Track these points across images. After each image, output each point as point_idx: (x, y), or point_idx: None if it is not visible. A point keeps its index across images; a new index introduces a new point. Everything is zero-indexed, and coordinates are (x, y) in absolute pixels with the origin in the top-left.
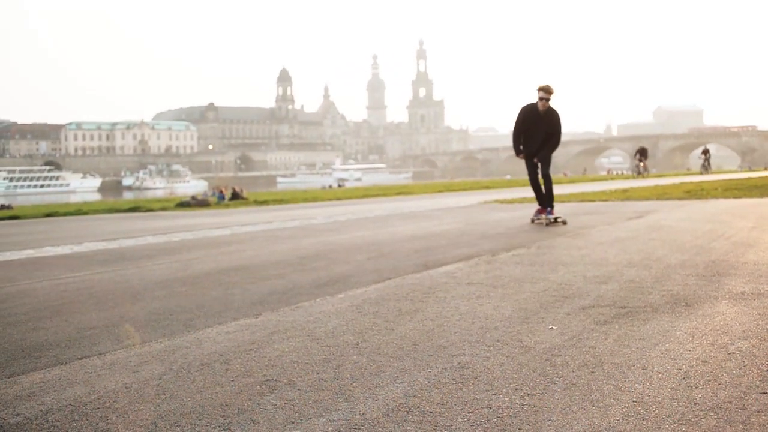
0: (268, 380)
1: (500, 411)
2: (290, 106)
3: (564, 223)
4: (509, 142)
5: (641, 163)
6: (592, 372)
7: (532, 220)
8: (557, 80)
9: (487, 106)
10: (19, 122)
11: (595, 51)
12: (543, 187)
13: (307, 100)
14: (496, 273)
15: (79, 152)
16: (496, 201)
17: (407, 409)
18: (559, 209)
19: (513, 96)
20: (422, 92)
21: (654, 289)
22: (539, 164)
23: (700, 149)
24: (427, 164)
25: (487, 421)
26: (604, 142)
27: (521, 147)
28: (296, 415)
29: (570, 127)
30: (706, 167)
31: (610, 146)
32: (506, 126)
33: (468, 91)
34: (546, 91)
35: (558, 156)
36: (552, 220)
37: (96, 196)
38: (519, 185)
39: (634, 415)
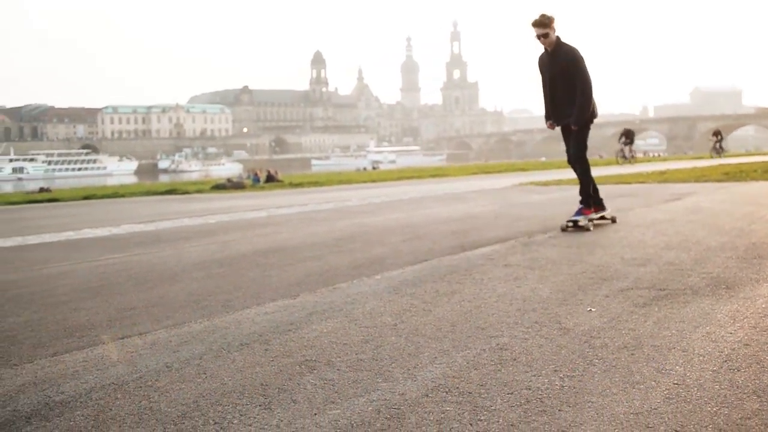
0: (307, 360)
1: (540, 392)
2: (324, 89)
3: (588, 229)
4: (544, 124)
5: (626, 147)
6: (632, 354)
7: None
8: (593, 60)
9: (522, 88)
10: (57, 106)
11: (631, 31)
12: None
13: (340, 82)
14: (532, 255)
15: (116, 136)
16: (531, 183)
17: (446, 390)
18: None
19: None
20: (456, 74)
21: (693, 271)
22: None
23: (711, 131)
24: (461, 146)
25: (527, 402)
26: (640, 123)
27: (549, 113)
28: (336, 395)
29: (605, 108)
30: (717, 150)
31: (646, 128)
32: (541, 108)
33: (502, 72)
34: (539, 25)
35: (593, 138)
36: (568, 226)
37: (132, 179)
38: (554, 167)
39: (676, 397)
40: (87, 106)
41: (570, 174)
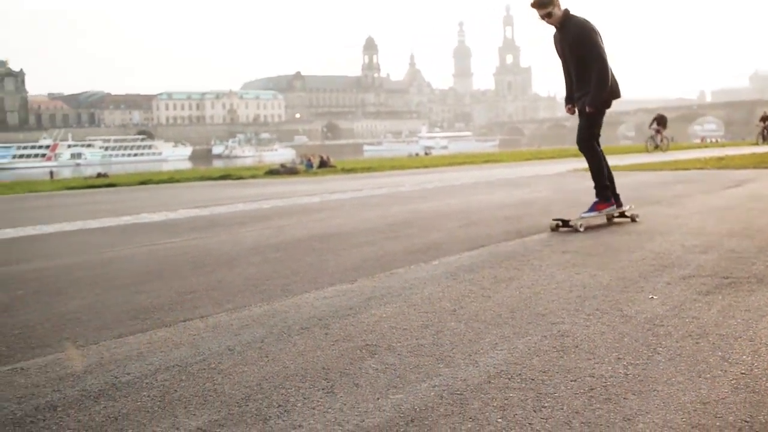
0: (367, 345)
1: (604, 380)
2: (376, 75)
3: (578, 230)
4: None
5: (658, 134)
6: (697, 343)
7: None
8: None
9: None
10: (113, 93)
11: (690, 13)
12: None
13: (392, 68)
14: (591, 241)
15: (170, 122)
16: (586, 169)
17: (509, 376)
18: (649, 179)
19: None
20: (509, 59)
21: (758, 259)
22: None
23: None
24: (513, 132)
25: (591, 389)
26: (697, 108)
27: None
28: (398, 379)
29: (661, 93)
30: (765, 136)
31: (703, 113)
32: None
33: (556, 57)
34: (538, 6)
35: (643, 124)
36: (558, 225)
37: (187, 165)
38: (608, 153)
39: (744, 387)
40: (142, 92)
41: (627, 160)
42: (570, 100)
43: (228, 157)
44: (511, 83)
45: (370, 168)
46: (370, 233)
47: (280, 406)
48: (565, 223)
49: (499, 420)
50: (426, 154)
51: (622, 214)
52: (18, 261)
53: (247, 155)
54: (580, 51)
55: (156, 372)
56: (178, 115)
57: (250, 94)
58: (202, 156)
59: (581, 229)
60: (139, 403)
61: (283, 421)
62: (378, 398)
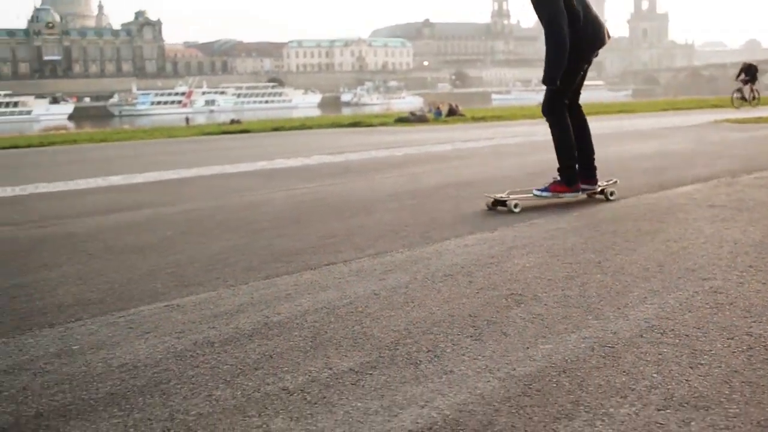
0: (512, 294)
1: (763, 339)
2: (506, 21)
3: (512, 210)
4: (738, 58)
5: (747, 86)
6: None
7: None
8: None
9: (715, 19)
10: (245, 41)
11: None
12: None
13: (523, 14)
14: (738, 196)
15: (300, 69)
16: (727, 120)
17: (661, 331)
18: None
19: (744, 8)
20: (644, 5)
21: None
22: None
23: None
24: (648, 81)
25: (750, 348)
26: None
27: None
28: (546, 330)
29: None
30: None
31: None
32: (736, 40)
33: (694, 2)
34: None
35: (719, 78)
36: (495, 203)
37: (316, 112)
38: (690, 108)
39: None
40: (273, 40)
41: (710, 115)
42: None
43: (356, 104)
44: (646, 30)
45: (500, 117)
46: (506, 182)
47: (429, 351)
48: (501, 202)
49: (655, 375)
50: None
51: (601, 191)
52: (164, 203)
53: (374, 103)
54: (537, 10)
55: (305, 313)
56: (307, 62)
57: (379, 41)
58: (331, 103)
59: (516, 210)
60: (291, 343)
61: (434, 366)
62: (527, 347)
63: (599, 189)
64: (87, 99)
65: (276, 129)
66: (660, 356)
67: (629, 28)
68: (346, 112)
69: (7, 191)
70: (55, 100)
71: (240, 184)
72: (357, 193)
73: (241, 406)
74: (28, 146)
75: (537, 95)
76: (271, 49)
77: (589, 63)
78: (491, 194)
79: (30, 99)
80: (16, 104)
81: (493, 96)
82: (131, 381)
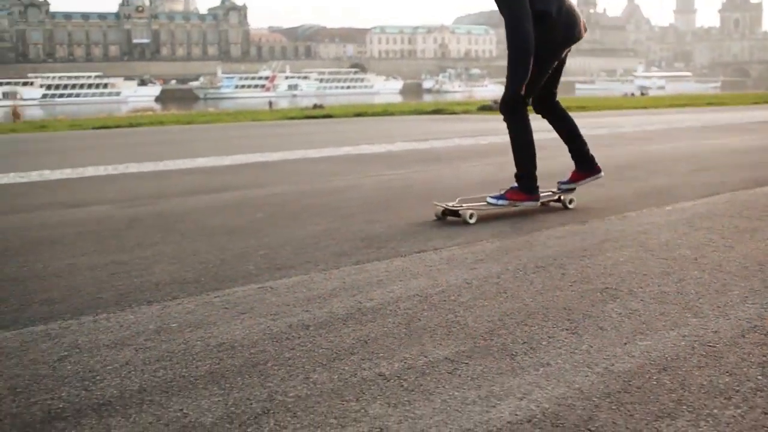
0: (607, 288)
1: None
2: (591, 10)
3: (467, 221)
4: None
5: None
6: None
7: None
8: None
9: None
10: (328, 27)
11: None
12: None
13: (609, 3)
14: None
15: (383, 55)
16: None
17: (765, 332)
18: None
19: None
20: None
21: None
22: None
23: None
24: (738, 73)
25: None
26: None
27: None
28: (643, 326)
29: None
30: None
31: None
32: None
33: None
34: None
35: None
36: (444, 213)
37: (398, 98)
38: None
39: None
40: (356, 26)
41: None
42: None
43: (438, 91)
44: (738, 20)
45: (584, 107)
46: None
47: (525, 342)
48: (453, 212)
49: (759, 377)
50: (642, 94)
51: (558, 199)
52: (251, 186)
53: (456, 90)
54: (499, 8)
55: (398, 300)
56: (390, 49)
57: (462, 28)
58: (412, 90)
59: (471, 221)
60: (385, 329)
61: (530, 358)
62: (625, 343)
63: (557, 197)
64: (173, 81)
65: (358, 114)
66: (764, 358)
67: (720, 18)
68: (428, 99)
69: (100, 170)
70: (142, 83)
71: (326, 169)
72: (444, 181)
73: (339, 390)
74: (117, 127)
75: (622, 86)
76: (354, 35)
77: (562, 61)
78: (440, 203)
79: (119, 81)
80: (105, 86)
81: (577, 86)
82: (229, 360)
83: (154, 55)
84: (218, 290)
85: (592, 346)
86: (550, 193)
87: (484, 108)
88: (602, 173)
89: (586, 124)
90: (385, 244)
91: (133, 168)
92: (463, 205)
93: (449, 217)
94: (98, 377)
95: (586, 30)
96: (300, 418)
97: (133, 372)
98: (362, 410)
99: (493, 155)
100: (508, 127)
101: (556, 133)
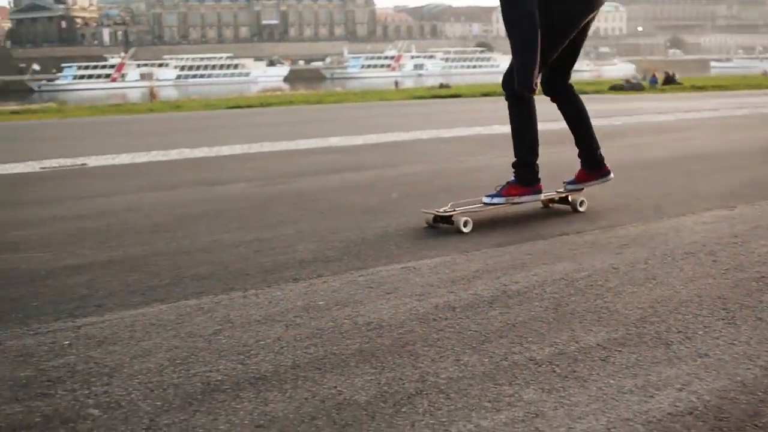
0: (763, 277)
1: None
2: None
3: (459, 230)
4: None
5: None
6: None
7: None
8: None
9: None
10: (454, 5)
11: None
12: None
13: None
14: None
15: None
16: None
17: None
18: None
19: None
20: None
21: None
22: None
23: None
24: None
25: None
26: None
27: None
28: None
29: None
30: None
31: None
32: None
33: None
34: None
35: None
36: (435, 220)
37: None
38: None
39: None
40: (482, 5)
41: None
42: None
43: None
44: None
45: (722, 86)
46: (741, 157)
47: (680, 331)
48: (444, 218)
49: None
50: None
51: (564, 199)
52: (385, 166)
53: (584, 69)
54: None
55: (543, 284)
56: None
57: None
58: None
59: (465, 229)
60: (533, 313)
61: (686, 347)
62: None
63: (564, 195)
64: (301, 62)
65: (486, 94)
66: None
67: None
68: None
69: (236, 149)
70: (271, 63)
71: (457, 149)
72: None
73: (491, 373)
74: (249, 107)
75: (761, 63)
76: (480, 14)
77: (583, 31)
78: (429, 210)
79: (249, 61)
80: (236, 66)
81: (712, 64)
82: (378, 340)
83: (283, 36)
84: (362, 269)
85: (751, 338)
86: (554, 193)
87: (615, 87)
88: (612, 175)
89: (724, 104)
90: (526, 227)
91: (267, 147)
92: (456, 210)
93: (442, 225)
94: (252, 352)
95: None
96: (453, 399)
97: (285, 348)
98: (516, 395)
99: (628, 136)
100: (509, 107)
101: (565, 121)
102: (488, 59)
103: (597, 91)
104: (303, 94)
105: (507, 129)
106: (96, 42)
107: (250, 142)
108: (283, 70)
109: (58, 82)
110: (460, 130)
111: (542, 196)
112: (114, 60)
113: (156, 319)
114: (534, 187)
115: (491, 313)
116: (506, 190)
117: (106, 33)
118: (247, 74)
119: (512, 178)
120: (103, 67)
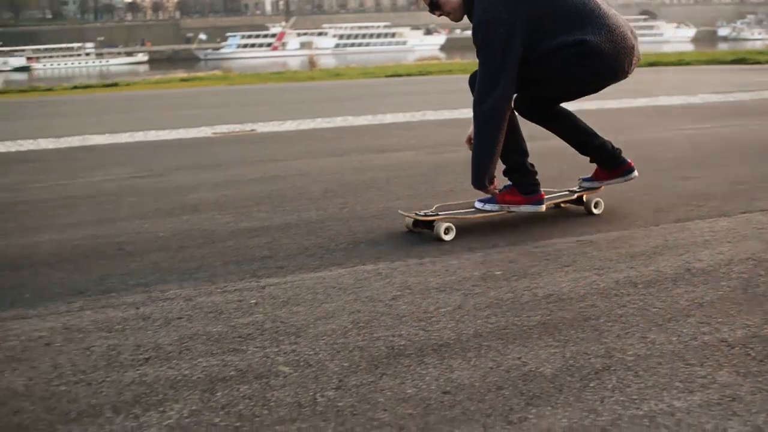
0: None
1: None
2: None
3: (439, 237)
4: None
5: None
6: None
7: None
8: None
9: None
10: None
11: None
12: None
13: None
14: None
15: (674, 1)
16: None
17: None
18: None
19: None
20: None
21: None
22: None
23: None
24: None
25: None
26: None
27: None
28: None
29: None
30: None
31: None
32: None
33: None
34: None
35: None
36: (415, 225)
37: (689, 47)
38: None
39: None
40: None
41: None
42: None
43: (734, 39)
44: None
45: None
46: None
47: None
48: (425, 223)
49: None
50: None
51: (578, 200)
52: (551, 137)
53: (756, 38)
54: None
55: (729, 263)
56: None
57: None
58: (705, 38)
59: (447, 237)
60: (720, 293)
61: None
62: None
63: (575, 196)
64: (458, 31)
65: (651, 64)
66: None
67: None
68: (722, 47)
69: (399, 117)
70: (428, 32)
71: (627, 121)
72: (757, 139)
73: (680, 352)
74: (408, 75)
75: None
76: None
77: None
78: (406, 212)
79: (406, 30)
80: (393, 35)
81: None
82: (559, 313)
83: None
84: (538, 240)
85: None
86: (567, 192)
87: None
88: (636, 172)
89: None
90: (705, 203)
91: (430, 115)
92: (439, 214)
93: (424, 230)
94: (433, 319)
95: (639, 59)
96: (643, 378)
97: (466, 316)
98: (709, 376)
99: None
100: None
101: (557, 136)
102: (651, 27)
103: None
104: (460, 63)
105: (674, 100)
106: (258, 11)
107: (412, 110)
108: (440, 38)
109: (222, 50)
110: (627, 101)
111: (543, 208)
112: (275, 29)
113: (335, 282)
114: (533, 197)
115: (675, 291)
116: (502, 196)
117: (268, 2)
118: (404, 43)
119: (503, 187)
120: (265, 36)
